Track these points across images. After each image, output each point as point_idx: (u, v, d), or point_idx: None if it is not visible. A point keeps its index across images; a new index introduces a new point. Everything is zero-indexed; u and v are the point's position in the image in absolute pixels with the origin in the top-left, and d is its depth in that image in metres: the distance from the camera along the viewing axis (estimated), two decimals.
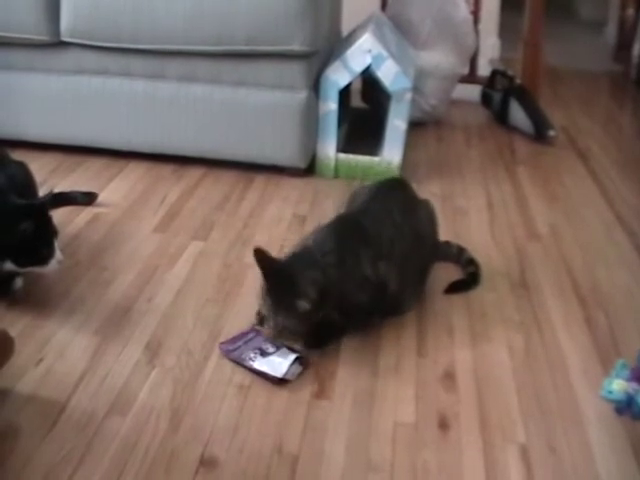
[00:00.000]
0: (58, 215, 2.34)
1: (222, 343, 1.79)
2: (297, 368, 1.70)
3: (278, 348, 1.74)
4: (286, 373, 1.67)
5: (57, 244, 1.90)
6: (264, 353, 1.73)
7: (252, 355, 1.72)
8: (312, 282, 1.69)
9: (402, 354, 1.80)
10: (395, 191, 2.02)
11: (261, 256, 1.71)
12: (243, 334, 1.81)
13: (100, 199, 2.50)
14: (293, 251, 1.80)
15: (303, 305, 1.67)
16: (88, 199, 2.48)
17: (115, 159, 2.81)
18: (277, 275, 1.71)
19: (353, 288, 1.78)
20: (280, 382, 1.67)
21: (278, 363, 1.69)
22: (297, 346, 1.74)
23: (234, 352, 1.75)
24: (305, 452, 1.50)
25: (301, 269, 1.72)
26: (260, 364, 1.70)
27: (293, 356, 1.71)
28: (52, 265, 1.89)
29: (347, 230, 1.85)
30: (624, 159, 3.10)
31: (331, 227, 1.86)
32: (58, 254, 1.90)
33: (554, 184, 2.81)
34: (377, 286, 1.82)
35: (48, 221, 1.91)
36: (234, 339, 1.80)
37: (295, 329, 1.71)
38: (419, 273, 1.98)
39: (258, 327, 1.77)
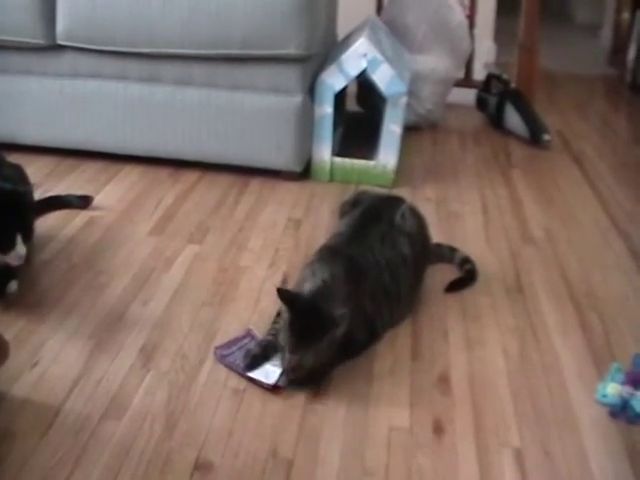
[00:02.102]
0: (53, 218, 2.36)
1: (217, 347, 1.78)
2: None
3: (272, 355, 1.73)
4: (278, 380, 1.67)
5: (20, 239, 1.85)
6: (258, 359, 1.71)
7: (246, 361, 1.71)
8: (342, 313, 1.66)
9: (397, 358, 1.80)
10: (376, 219, 1.98)
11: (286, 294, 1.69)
12: (238, 339, 1.81)
13: (95, 202, 2.50)
14: (311, 288, 1.73)
15: (341, 311, 1.65)
16: (83, 202, 2.48)
17: (111, 162, 2.81)
18: (303, 310, 1.67)
19: (356, 326, 1.75)
20: (273, 389, 1.66)
21: (271, 371, 1.69)
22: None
23: (228, 357, 1.75)
24: (300, 456, 1.49)
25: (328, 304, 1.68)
26: (253, 371, 1.69)
27: None
28: (12, 258, 1.87)
29: (346, 266, 1.80)
30: (619, 163, 3.11)
31: (328, 262, 1.81)
32: (19, 248, 1.86)
33: (549, 188, 2.81)
34: (371, 323, 1.82)
35: (15, 212, 1.87)
36: (229, 344, 1.79)
37: (323, 358, 1.66)
38: (413, 285, 1.98)
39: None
